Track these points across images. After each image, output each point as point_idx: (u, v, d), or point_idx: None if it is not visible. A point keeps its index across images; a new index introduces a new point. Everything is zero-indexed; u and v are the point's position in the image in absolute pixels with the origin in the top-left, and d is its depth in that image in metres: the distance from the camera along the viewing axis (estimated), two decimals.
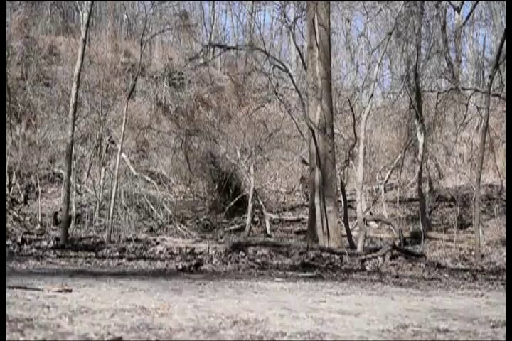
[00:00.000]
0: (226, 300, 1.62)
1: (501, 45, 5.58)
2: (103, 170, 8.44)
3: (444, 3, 10.94)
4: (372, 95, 6.82)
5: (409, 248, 6.55)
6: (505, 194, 8.47)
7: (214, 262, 4.07)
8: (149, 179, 9.22)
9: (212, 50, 11.38)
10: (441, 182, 10.14)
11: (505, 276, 3.45)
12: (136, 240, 6.14)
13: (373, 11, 8.79)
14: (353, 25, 19.74)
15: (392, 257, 5.08)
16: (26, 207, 8.54)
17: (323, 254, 5.11)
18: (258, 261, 4.48)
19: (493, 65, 6.02)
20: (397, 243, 6.75)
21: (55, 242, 5.32)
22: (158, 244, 5.81)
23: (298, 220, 8.90)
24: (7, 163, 7.85)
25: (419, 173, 8.21)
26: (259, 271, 3.33)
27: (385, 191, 9.19)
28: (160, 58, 13.66)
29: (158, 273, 2.69)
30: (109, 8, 15.00)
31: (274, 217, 8.90)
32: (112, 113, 9.34)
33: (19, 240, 5.32)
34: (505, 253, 6.08)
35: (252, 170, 8.75)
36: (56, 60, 12.77)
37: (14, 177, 8.78)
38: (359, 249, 5.88)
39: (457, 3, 12.58)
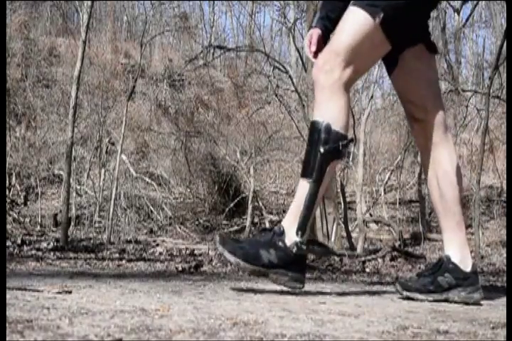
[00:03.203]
0: (226, 302, 1.62)
1: (501, 47, 5.59)
2: (103, 171, 8.45)
3: (443, 4, 10.96)
4: (372, 97, 6.84)
5: (409, 249, 6.55)
6: (505, 195, 8.48)
7: (214, 263, 4.07)
8: (149, 180, 9.22)
9: (212, 51, 11.40)
10: None
11: (504, 278, 3.45)
12: (136, 241, 6.15)
13: None
14: None
15: (392, 258, 5.09)
16: (26, 208, 8.54)
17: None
18: None
19: (492, 67, 6.03)
20: (396, 244, 6.76)
21: (55, 243, 5.32)
22: (158, 245, 5.82)
23: None
24: (7, 165, 7.85)
25: (419, 174, 8.23)
26: None
27: (384, 192, 9.20)
28: (160, 59, 13.67)
29: (158, 275, 2.69)
30: (109, 9, 15.02)
31: (274, 218, 8.90)
32: (112, 114, 9.35)
33: (19, 241, 5.32)
34: (505, 255, 6.09)
35: (251, 171, 8.76)
36: (56, 61, 12.78)
37: (14, 178, 8.79)
38: (359, 250, 5.89)
39: (457, 5, 12.60)
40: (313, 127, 1.97)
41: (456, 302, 1.94)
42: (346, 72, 1.96)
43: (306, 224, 1.91)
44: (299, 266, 1.93)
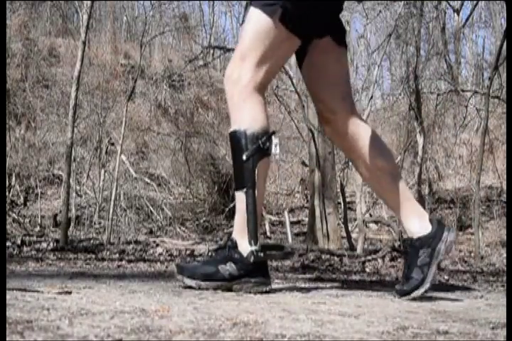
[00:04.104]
0: (226, 302, 1.62)
1: (501, 47, 5.59)
2: (103, 171, 8.44)
3: (443, 4, 10.96)
4: (371, 97, 6.82)
5: None
6: (504, 195, 8.48)
7: None
8: (149, 181, 9.22)
9: (212, 51, 11.39)
10: (440, 183, 10.15)
11: (504, 278, 3.45)
12: (136, 242, 6.13)
13: (373, 12, 8.80)
14: (353, 27, 19.76)
15: (392, 259, 5.07)
16: (26, 208, 8.54)
17: (323, 256, 5.10)
18: None
19: (492, 67, 6.03)
20: (396, 244, 6.75)
21: (55, 244, 5.31)
22: (157, 245, 5.80)
23: (297, 222, 8.90)
24: (7, 165, 7.85)
25: (419, 175, 8.22)
26: None
27: None
28: (159, 60, 13.67)
29: (158, 275, 2.69)
30: (108, 9, 15.01)
31: (274, 218, 8.90)
32: (112, 115, 9.35)
33: (19, 242, 5.31)
34: (504, 255, 6.08)
35: None
36: (56, 61, 12.78)
37: (14, 179, 8.78)
38: (359, 250, 5.88)
39: (457, 5, 12.60)
40: (231, 138, 1.97)
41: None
42: (256, 76, 1.95)
43: (255, 230, 1.91)
44: (261, 271, 1.93)
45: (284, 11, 1.89)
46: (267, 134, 1.93)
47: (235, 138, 1.93)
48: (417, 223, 2.01)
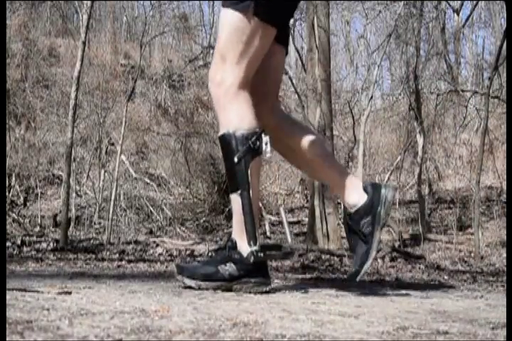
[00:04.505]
0: (225, 302, 1.62)
1: (501, 47, 5.59)
2: (102, 172, 8.44)
3: (443, 4, 10.96)
4: (371, 97, 6.83)
5: (409, 250, 6.54)
6: (504, 196, 8.48)
7: None
8: (149, 181, 9.22)
9: (211, 51, 11.40)
10: (440, 183, 10.15)
11: (504, 278, 3.45)
12: (136, 242, 6.13)
13: (373, 12, 8.82)
14: (353, 27, 19.79)
15: (392, 259, 5.08)
16: (26, 209, 8.53)
17: (323, 256, 5.10)
18: None
19: (492, 67, 6.03)
20: (396, 245, 6.75)
21: (55, 244, 5.31)
22: (157, 246, 5.81)
23: (297, 222, 8.89)
24: (7, 165, 7.85)
25: (419, 175, 8.22)
26: None
27: None
28: (159, 60, 13.67)
29: (158, 275, 2.69)
30: (108, 9, 15.01)
31: (274, 218, 8.89)
32: (112, 115, 9.34)
33: (18, 242, 5.31)
34: (504, 255, 6.08)
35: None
36: (56, 62, 12.78)
37: (14, 179, 8.78)
38: None
39: (457, 5, 12.61)
40: (221, 142, 1.99)
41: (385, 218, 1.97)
42: (239, 74, 1.96)
43: (254, 231, 1.91)
44: (261, 271, 1.94)
45: (256, 4, 1.93)
46: (256, 134, 1.93)
47: (224, 141, 1.94)
48: (356, 195, 2.01)
